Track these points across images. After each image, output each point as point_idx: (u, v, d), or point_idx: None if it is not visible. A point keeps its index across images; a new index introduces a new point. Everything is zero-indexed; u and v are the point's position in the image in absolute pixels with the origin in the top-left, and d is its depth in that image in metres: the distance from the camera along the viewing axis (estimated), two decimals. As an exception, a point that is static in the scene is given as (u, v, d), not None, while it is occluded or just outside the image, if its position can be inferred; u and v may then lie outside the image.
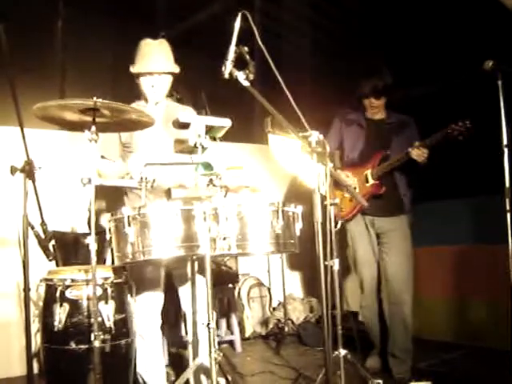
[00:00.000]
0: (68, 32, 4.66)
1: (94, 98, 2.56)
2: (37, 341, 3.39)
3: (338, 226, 3.85)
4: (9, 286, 4.23)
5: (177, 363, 4.25)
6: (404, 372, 3.87)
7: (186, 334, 3.46)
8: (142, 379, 3.31)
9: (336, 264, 3.04)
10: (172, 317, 4.35)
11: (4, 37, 2.84)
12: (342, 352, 3.09)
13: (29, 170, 2.84)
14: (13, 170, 2.84)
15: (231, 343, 4.98)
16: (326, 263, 2.93)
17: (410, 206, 4.05)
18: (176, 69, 3.45)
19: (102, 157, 3.32)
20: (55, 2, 4.70)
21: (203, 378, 3.31)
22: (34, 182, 2.94)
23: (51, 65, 4.53)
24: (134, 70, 3.40)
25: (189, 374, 3.03)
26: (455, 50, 4.58)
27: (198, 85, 4.91)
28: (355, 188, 3.99)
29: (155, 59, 3.36)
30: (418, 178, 4.01)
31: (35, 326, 3.40)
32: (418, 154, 3.74)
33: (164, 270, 3.39)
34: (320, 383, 2.99)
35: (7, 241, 4.02)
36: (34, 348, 3.17)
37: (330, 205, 3.01)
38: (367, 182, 4.00)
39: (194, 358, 3.29)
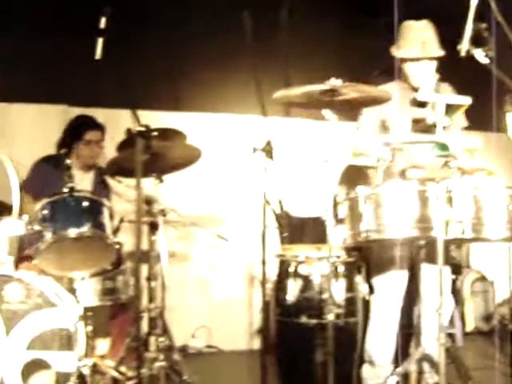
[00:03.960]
0: (293, 21, 4.83)
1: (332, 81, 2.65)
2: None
3: None
4: (237, 263, 4.54)
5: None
6: None
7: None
8: (369, 356, 3.32)
9: None
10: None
11: (249, 25, 3.00)
12: None
13: (268, 150, 3.02)
14: (254, 150, 3.04)
15: (451, 336, 4.84)
16: None
17: None
18: (441, 52, 3.26)
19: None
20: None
21: (427, 366, 3.26)
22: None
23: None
24: (399, 54, 3.29)
25: (412, 361, 3.00)
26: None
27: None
28: None
29: (423, 44, 3.21)
30: None
31: (258, 302, 3.56)
32: None
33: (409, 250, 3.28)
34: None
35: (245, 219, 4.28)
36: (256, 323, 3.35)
37: None
38: None
39: (416, 346, 3.25)
